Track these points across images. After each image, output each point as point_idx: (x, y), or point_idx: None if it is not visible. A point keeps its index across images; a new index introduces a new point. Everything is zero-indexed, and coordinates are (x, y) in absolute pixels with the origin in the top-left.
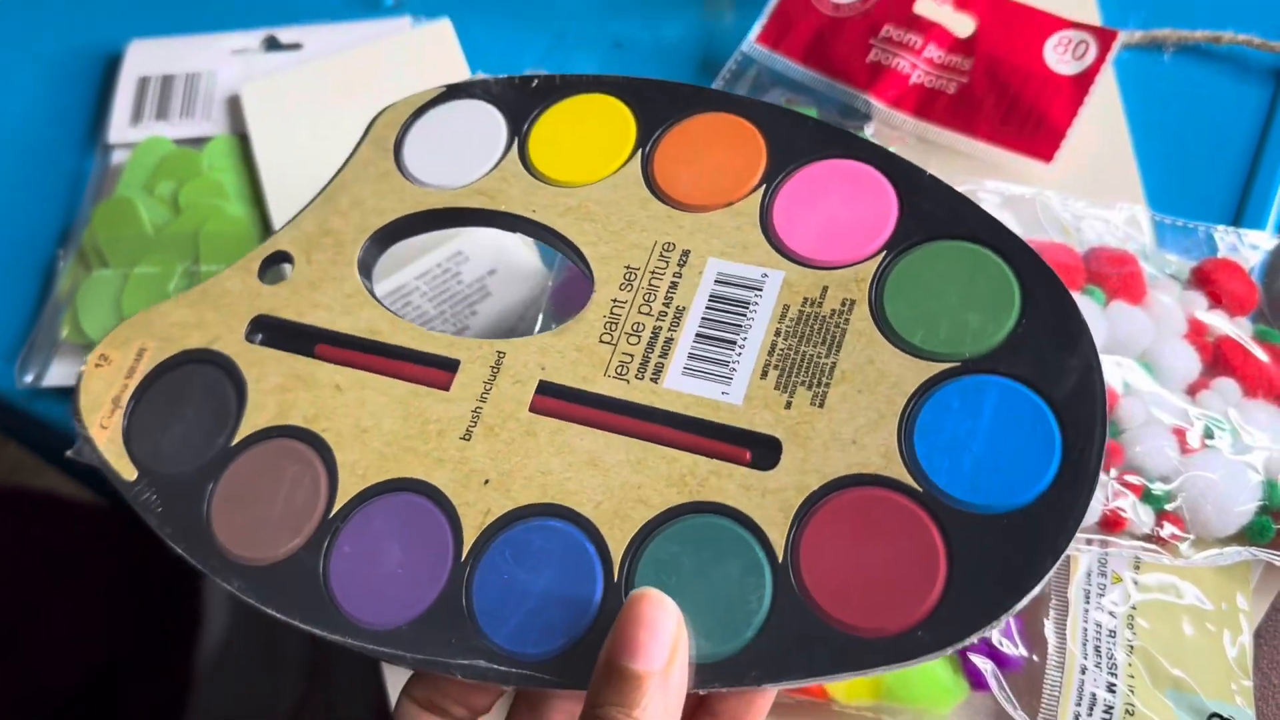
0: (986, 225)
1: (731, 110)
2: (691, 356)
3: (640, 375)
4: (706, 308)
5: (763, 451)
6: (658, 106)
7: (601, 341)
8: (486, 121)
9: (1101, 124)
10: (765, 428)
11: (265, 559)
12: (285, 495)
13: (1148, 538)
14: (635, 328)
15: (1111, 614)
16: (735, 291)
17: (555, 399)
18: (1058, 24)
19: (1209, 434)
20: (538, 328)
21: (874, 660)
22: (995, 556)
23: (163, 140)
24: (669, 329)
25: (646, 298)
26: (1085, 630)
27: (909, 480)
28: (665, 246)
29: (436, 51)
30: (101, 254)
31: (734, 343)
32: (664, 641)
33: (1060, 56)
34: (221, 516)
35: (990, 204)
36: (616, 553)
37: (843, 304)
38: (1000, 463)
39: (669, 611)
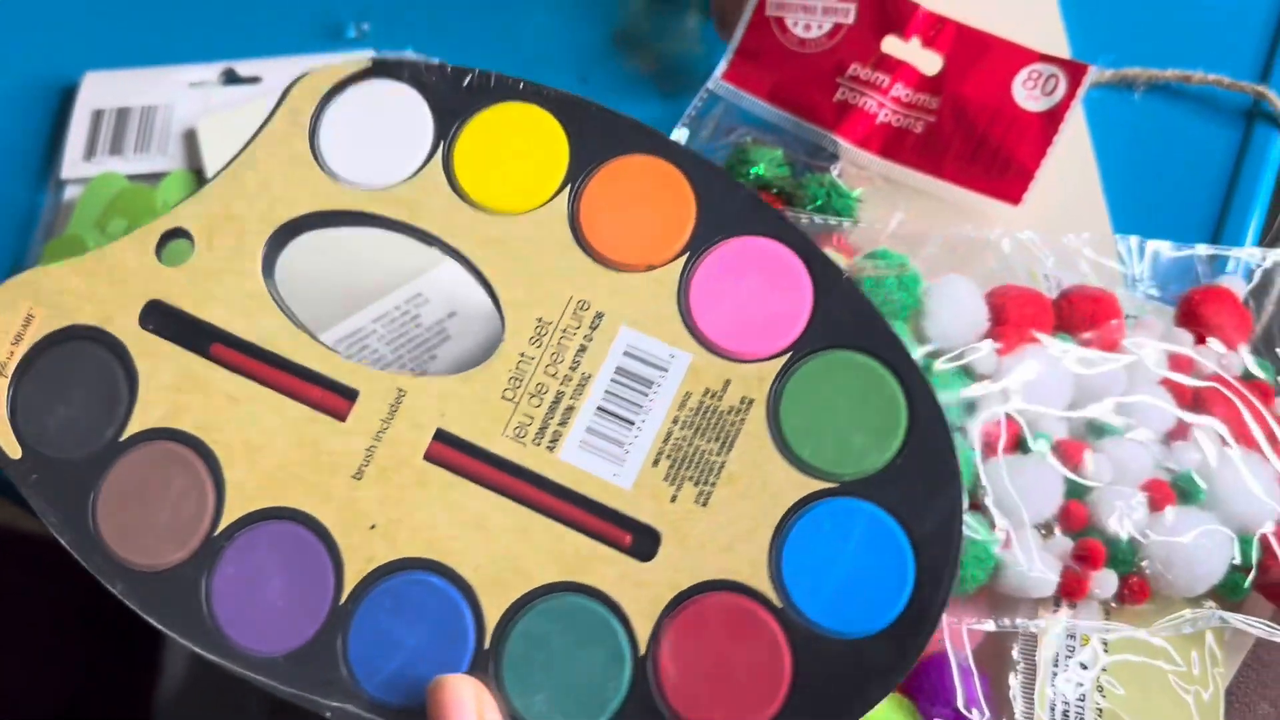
0: (889, 343)
1: (668, 158)
2: (590, 430)
3: (537, 441)
4: (611, 380)
5: (643, 540)
6: (593, 139)
7: (504, 398)
8: (412, 114)
9: (1071, 164)
10: (649, 518)
11: (149, 566)
12: (173, 503)
13: (1112, 602)
14: (539, 389)
15: (1080, 679)
16: (641, 368)
17: (451, 449)
18: (1027, 57)
19: (1180, 490)
20: None
21: None
22: (834, 680)
23: (116, 176)
24: (571, 396)
25: (554, 358)
26: (1053, 695)
27: (771, 595)
28: (580, 304)
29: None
30: None
31: (632, 423)
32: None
33: (1029, 92)
34: (107, 514)
35: (965, 236)
36: (491, 620)
37: (742, 402)
38: (856, 590)
39: (464, 690)
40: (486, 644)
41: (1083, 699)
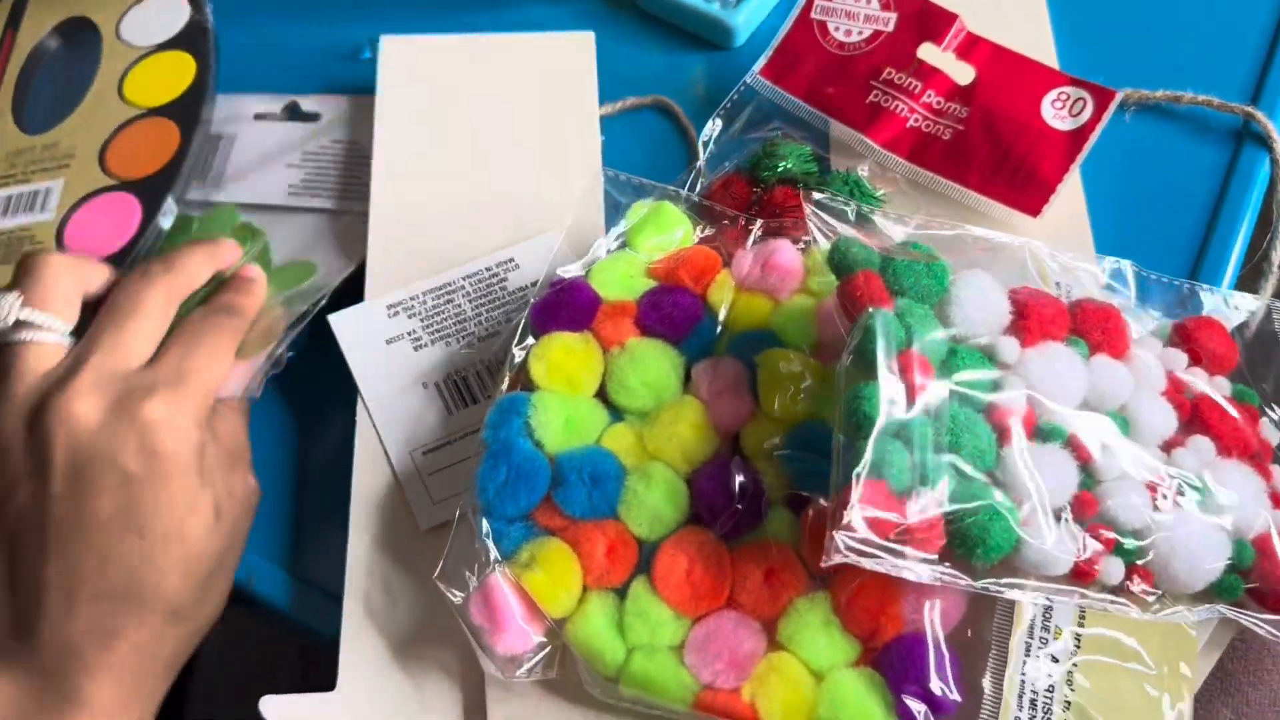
0: None
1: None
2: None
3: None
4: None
5: None
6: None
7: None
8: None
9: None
10: None
11: None
12: None
13: (1117, 590)
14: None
15: (1050, 670)
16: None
17: None
18: (1057, 79)
19: (1181, 492)
20: (515, 342)
21: None
22: None
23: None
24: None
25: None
26: (1022, 682)
27: None
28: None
29: (574, 60)
30: None
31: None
32: None
33: (1057, 112)
34: None
35: (977, 250)
36: None
37: None
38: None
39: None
40: None
41: (1051, 689)
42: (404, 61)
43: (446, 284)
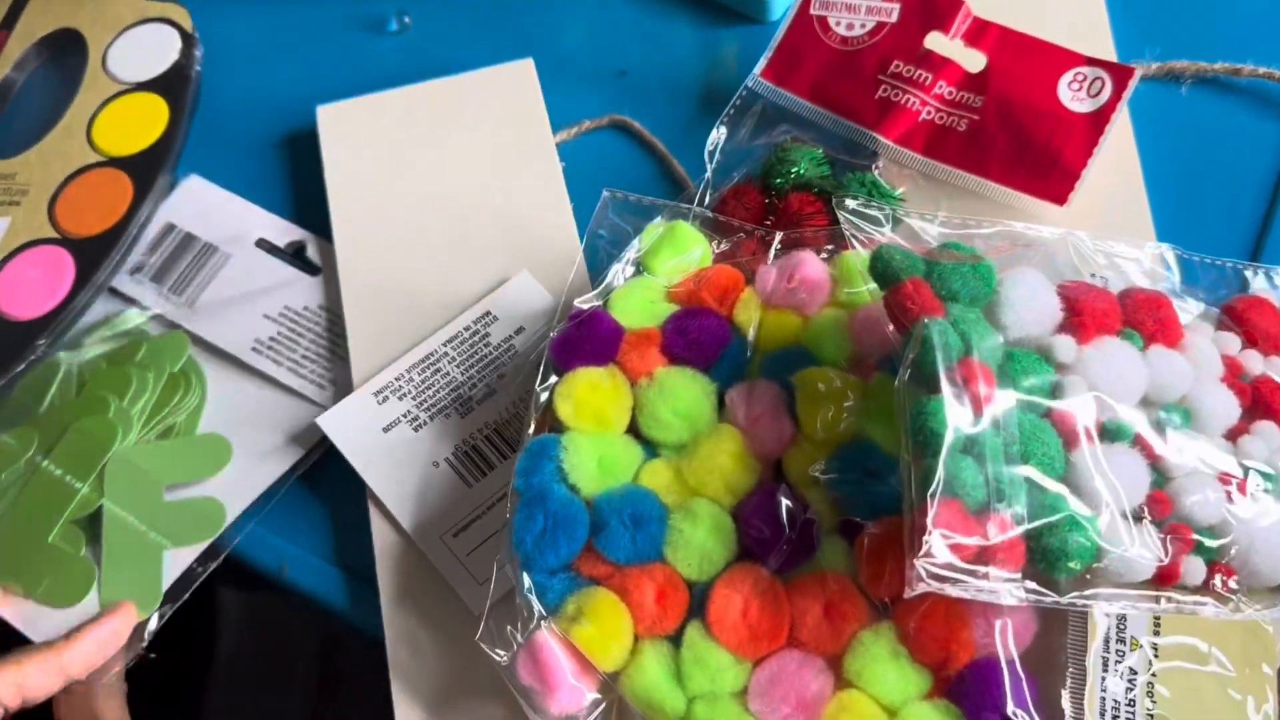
0: None
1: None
2: None
3: None
4: None
5: None
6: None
7: None
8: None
9: (1113, 159)
10: None
11: None
12: None
13: (1200, 590)
14: None
15: (1130, 683)
16: None
17: None
18: (1072, 60)
19: (1255, 482)
20: (538, 382)
21: None
22: None
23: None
24: None
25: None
26: (1103, 700)
27: None
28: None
29: (518, 91)
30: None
31: None
32: None
33: (1075, 94)
34: None
35: (1019, 245)
36: None
37: None
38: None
39: None
40: None
41: (1133, 703)
42: (343, 127)
43: (429, 355)
